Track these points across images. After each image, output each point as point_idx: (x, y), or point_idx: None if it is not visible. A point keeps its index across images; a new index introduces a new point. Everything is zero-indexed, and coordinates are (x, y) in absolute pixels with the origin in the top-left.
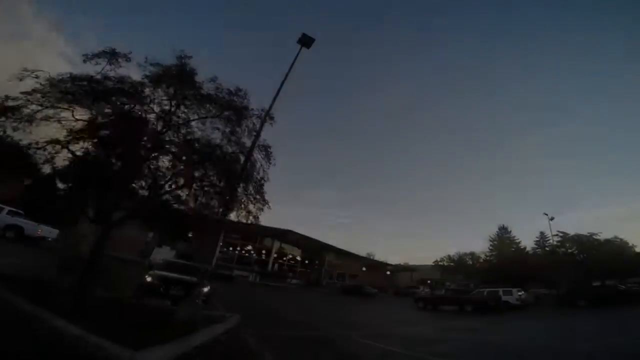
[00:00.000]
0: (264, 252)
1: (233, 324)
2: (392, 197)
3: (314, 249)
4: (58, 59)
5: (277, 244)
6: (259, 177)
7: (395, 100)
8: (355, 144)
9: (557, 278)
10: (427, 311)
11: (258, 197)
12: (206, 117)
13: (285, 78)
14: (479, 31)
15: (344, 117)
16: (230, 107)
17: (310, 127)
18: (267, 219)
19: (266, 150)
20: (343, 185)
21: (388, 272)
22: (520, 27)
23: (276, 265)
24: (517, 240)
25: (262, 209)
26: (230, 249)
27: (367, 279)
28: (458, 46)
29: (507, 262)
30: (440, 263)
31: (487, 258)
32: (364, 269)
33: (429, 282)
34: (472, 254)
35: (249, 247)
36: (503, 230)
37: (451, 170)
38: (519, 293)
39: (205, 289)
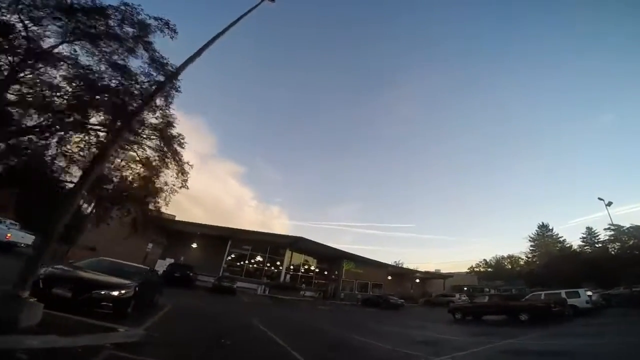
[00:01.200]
0: (278, 263)
1: (101, 342)
2: (418, 204)
3: (330, 257)
4: None
5: (289, 254)
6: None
7: (411, 100)
8: (373, 151)
9: (621, 275)
10: (466, 324)
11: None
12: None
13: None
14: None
15: (361, 125)
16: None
17: (327, 140)
18: (284, 231)
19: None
20: (366, 195)
21: (417, 280)
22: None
23: (288, 277)
24: (561, 238)
25: (185, 173)
26: (245, 262)
27: (393, 288)
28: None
29: (556, 262)
30: (475, 269)
31: (529, 259)
32: (389, 277)
33: (465, 288)
34: (510, 257)
35: (259, 258)
36: (544, 229)
37: (478, 172)
38: (588, 294)
39: (116, 293)
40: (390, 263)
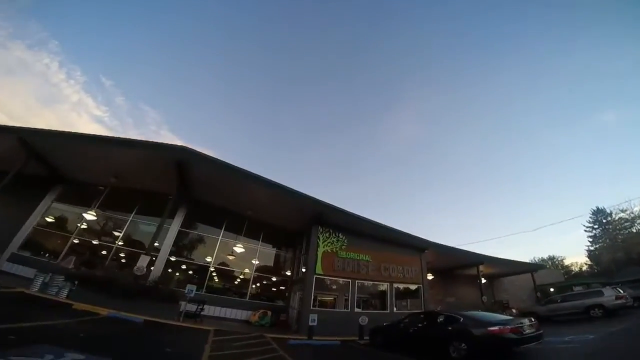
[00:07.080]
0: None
1: None
2: (432, 220)
3: (286, 229)
4: (91, 120)
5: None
6: None
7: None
8: (381, 174)
9: None
10: None
11: None
12: None
13: None
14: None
15: (365, 147)
16: None
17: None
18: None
19: None
20: (378, 215)
21: (482, 280)
22: None
23: (157, 265)
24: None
25: None
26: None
27: (443, 298)
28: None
29: None
30: None
31: (593, 252)
32: (430, 277)
33: (552, 287)
34: (551, 259)
35: (91, 217)
36: (600, 214)
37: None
38: None
39: None
40: (430, 239)
